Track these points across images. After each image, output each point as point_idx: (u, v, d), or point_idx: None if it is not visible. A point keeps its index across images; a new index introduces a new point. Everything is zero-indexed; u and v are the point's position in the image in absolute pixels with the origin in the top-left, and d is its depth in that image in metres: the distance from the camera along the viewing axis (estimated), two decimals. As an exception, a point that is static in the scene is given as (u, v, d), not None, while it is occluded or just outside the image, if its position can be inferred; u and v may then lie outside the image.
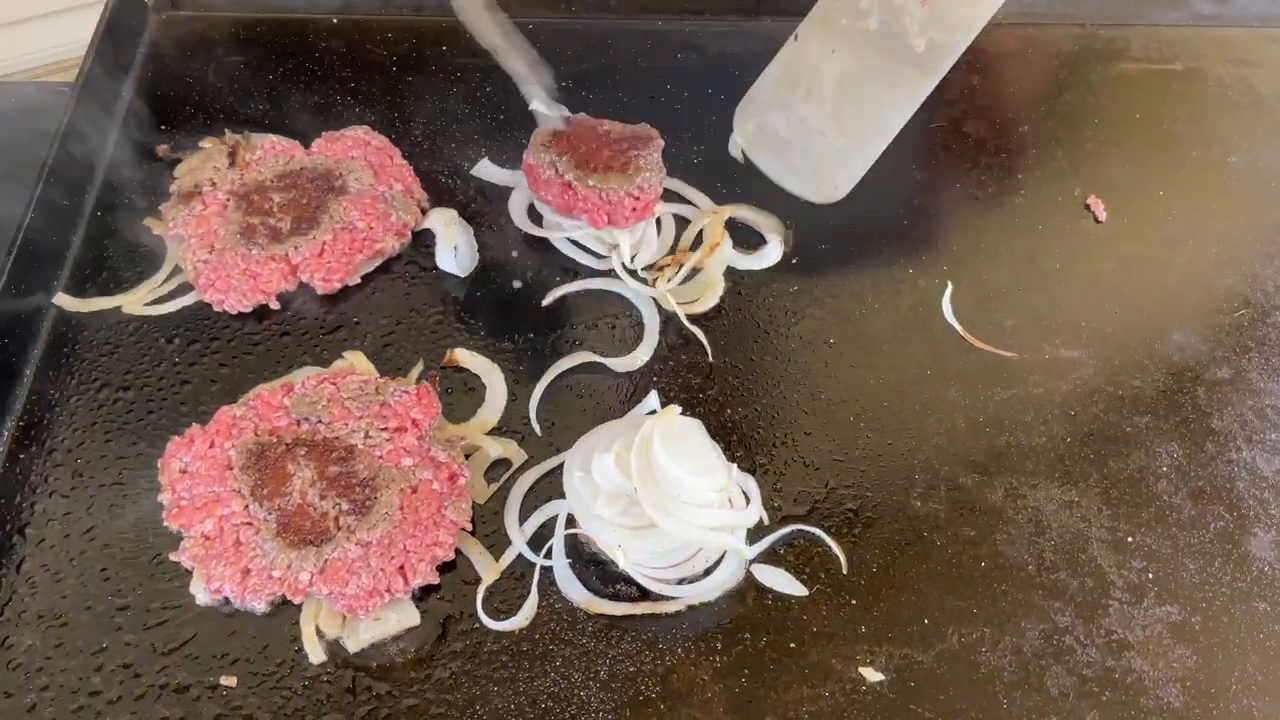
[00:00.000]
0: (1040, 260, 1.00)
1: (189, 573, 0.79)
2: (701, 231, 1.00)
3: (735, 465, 0.80)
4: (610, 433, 0.80)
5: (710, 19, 1.19)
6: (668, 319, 0.94)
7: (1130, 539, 0.84)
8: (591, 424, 0.86)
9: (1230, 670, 0.78)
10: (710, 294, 0.96)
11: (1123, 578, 0.82)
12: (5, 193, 1.00)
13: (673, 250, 0.99)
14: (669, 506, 0.75)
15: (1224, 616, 0.80)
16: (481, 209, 1.01)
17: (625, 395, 0.90)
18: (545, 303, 0.95)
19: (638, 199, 0.93)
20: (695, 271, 0.97)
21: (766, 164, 0.98)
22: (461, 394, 0.90)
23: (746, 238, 1.00)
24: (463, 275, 0.96)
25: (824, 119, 0.95)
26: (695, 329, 0.93)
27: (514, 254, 0.98)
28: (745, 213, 1.01)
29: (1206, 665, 0.78)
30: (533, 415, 0.88)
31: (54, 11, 2.57)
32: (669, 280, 0.95)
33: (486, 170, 1.04)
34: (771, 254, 0.98)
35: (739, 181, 1.02)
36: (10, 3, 2.51)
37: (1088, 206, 1.04)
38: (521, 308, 0.95)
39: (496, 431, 0.88)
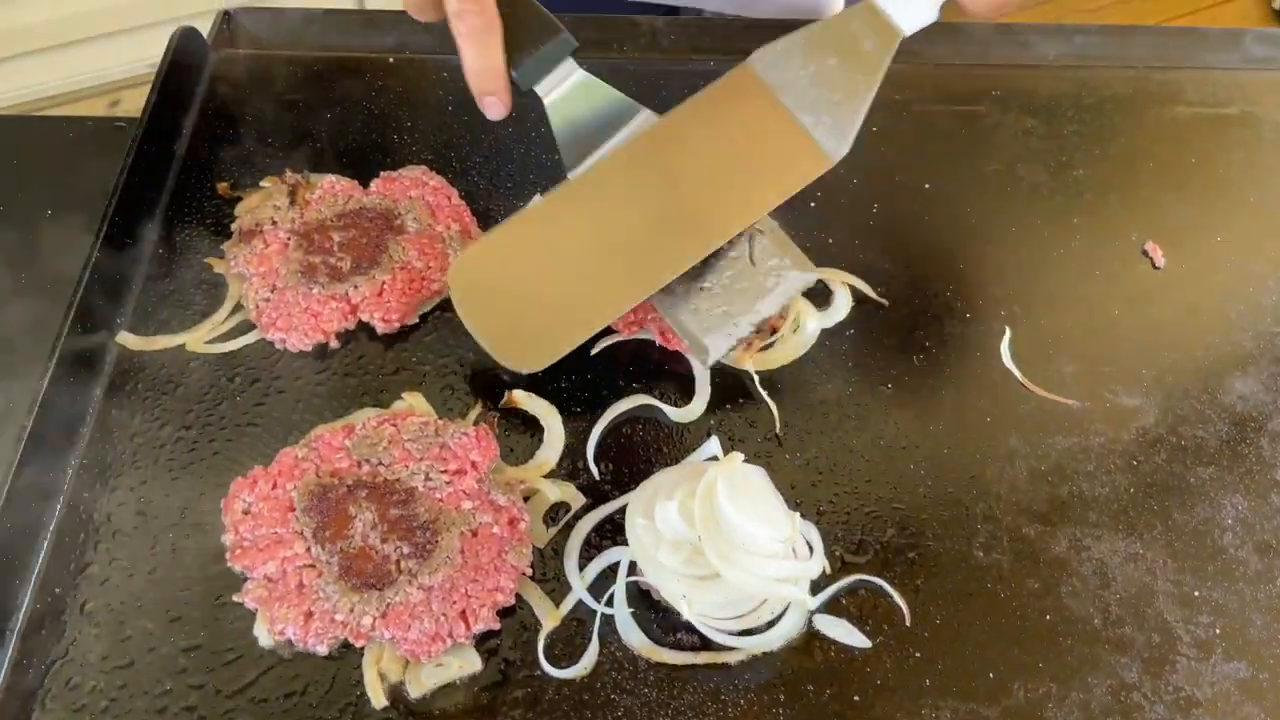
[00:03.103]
0: (1099, 306, 0.99)
1: (252, 614, 0.79)
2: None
3: (798, 513, 0.80)
4: (672, 479, 0.80)
5: (761, 59, 1.19)
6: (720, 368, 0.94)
7: (1197, 593, 0.83)
8: (648, 468, 0.86)
9: (1302, 730, 0.77)
10: (789, 357, 0.95)
11: (1190, 633, 0.81)
12: (69, 229, 1.02)
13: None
14: (733, 556, 0.75)
15: (1294, 674, 0.79)
16: (537, 249, 1.01)
17: (683, 439, 0.90)
18: (593, 352, 0.94)
19: None
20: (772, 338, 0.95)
21: None
22: (518, 436, 0.90)
23: (812, 292, 0.97)
24: None
25: None
26: (766, 396, 0.92)
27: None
28: (819, 272, 0.98)
29: (1276, 724, 0.77)
30: (590, 459, 0.88)
31: (102, 35, 2.62)
32: (750, 351, 0.93)
33: None
34: (840, 308, 0.98)
35: (795, 224, 1.02)
36: (66, 26, 2.58)
37: (1145, 252, 1.03)
38: (579, 349, 0.95)
39: (554, 474, 0.88)
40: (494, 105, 0.86)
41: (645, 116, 0.91)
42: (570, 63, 0.88)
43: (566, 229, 0.89)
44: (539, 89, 0.88)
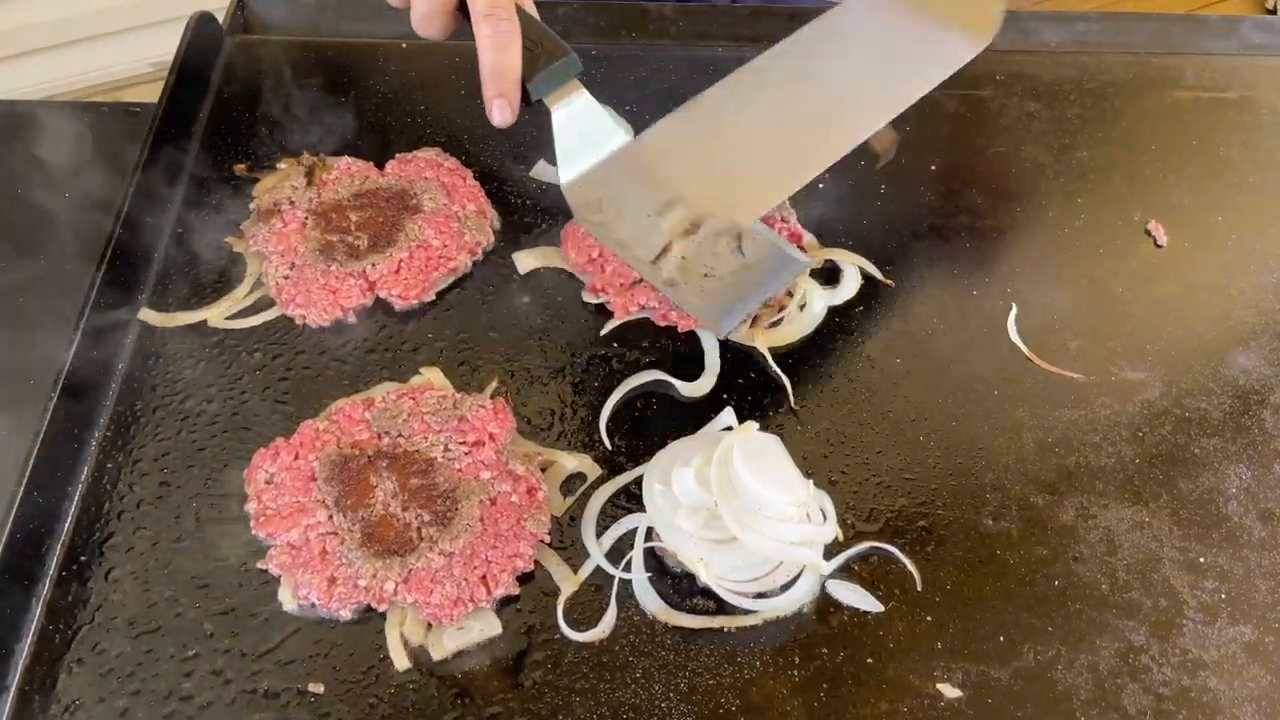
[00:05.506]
0: (1103, 283, 1.01)
1: (276, 580, 0.80)
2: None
3: (811, 481, 0.81)
4: (689, 447, 0.81)
5: (767, 45, 1.20)
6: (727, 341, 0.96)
7: (1202, 559, 0.84)
8: (662, 439, 0.88)
9: (1305, 691, 0.78)
10: (797, 335, 0.97)
11: (1196, 598, 0.83)
12: (87, 211, 1.03)
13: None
14: (750, 521, 0.77)
15: (1297, 637, 0.81)
16: (550, 229, 1.03)
17: (697, 413, 0.91)
18: (603, 332, 0.96)
19: None
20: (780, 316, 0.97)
21: None
22: (535, 409, 0.91)
23: (820, 271, 1.00)
24: None
25: None
26: (779, 371, 0.93)
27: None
28: (827, 252, 1.01)
29: (1280, 685, 0.79)
30: (603, 430, 0.90)
31: (104, 34, 2.64)
32: (759, 328, 0.95)
33: (544, 171, 1.06)
34: (849, 287, 0.99)
35: (804, 205, 1.03)
36: (67, 26, 2.59)
37: (1148, 231, 1.05)
38: (593, 324, 0.96)
39: (570, 446, 0.89)
40: (503, 109, 0.89)
41: (631, 142, 0.96)
42: (577, 83, 0.94)
43: (721, 124, 0.94)
44: (548, 100, 0.93)
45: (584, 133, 0.94)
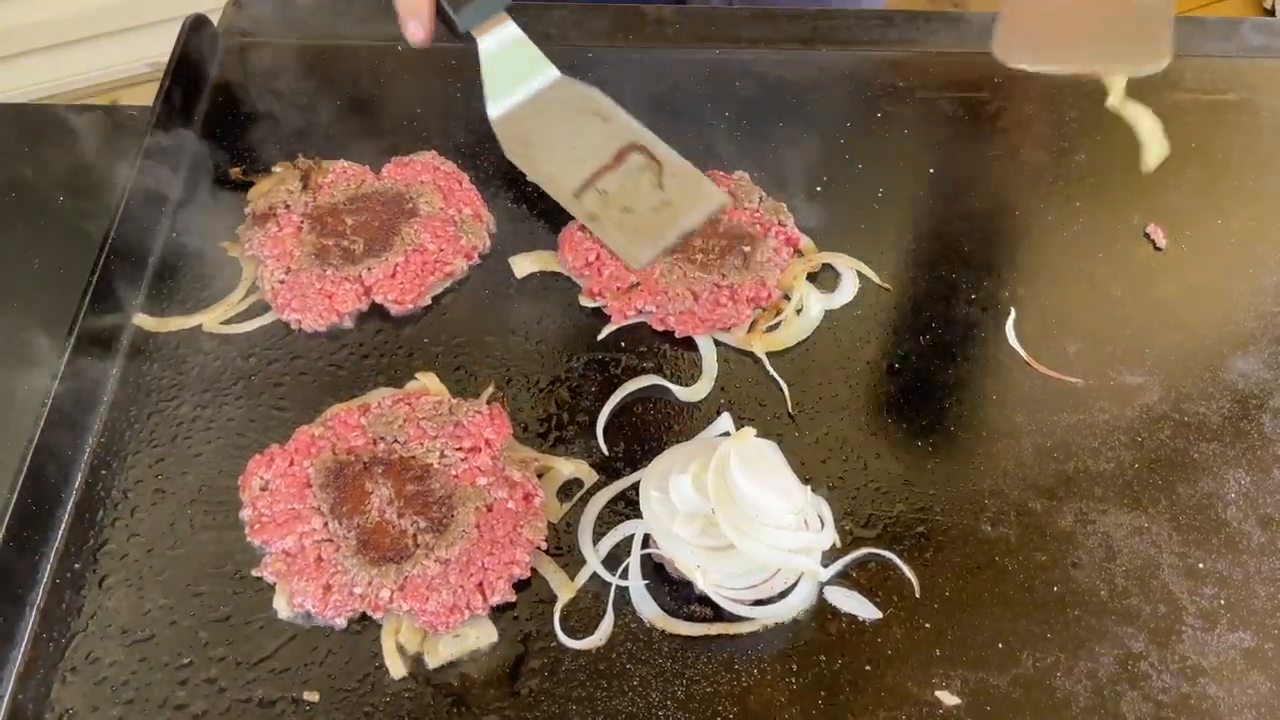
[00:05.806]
0: (1102, 286, 1.00)
1: (271, 588, 0.80)
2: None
3: (809, 487, 0.81)
4: (686, 453, 0.81)
5: (767, 47, 1.20)
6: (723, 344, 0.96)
7: (1201, 565, 0.84)
8: (659, 445, 0.87)
9: (1305, 697, 0.78)
10: (794, 339, 0.96)
11: (1195, 604, 0.82)
12: (81, 215, 1.02)
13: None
14: (747, 528, 0.76)
15: (1297, 644, 0.80)
16: (547, 233, 1.02)
17: (694, 418, 0.91)
18: (600, 337, 0.95)
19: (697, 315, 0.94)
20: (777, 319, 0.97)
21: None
22: (531, 415, 0.91)
23: (818, 274, 1.00)
24: None
25: None
26: (776, 375, 0.93)
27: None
28: (825, 256, 1.01)
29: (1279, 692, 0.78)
30: (599, 434, 0.89)
31: (100, 35, 2.63)
32: (757, 332, 0.95)
33: None
34: (847, 291, 0.99)
35: (801, 208, 1.03)
36: (63, 26, 2.58)
37: (1147, 234, 1.04)
38: (590, 329, 0.96)
39: (568, 451, 0.89)
40: (416, 29, 0.90)
41: (560, 77, 0.96)
42: (505, 15, 0.94)
43: None
44: (475, 31, 0.93)
45: (512, 66, 0.95)
